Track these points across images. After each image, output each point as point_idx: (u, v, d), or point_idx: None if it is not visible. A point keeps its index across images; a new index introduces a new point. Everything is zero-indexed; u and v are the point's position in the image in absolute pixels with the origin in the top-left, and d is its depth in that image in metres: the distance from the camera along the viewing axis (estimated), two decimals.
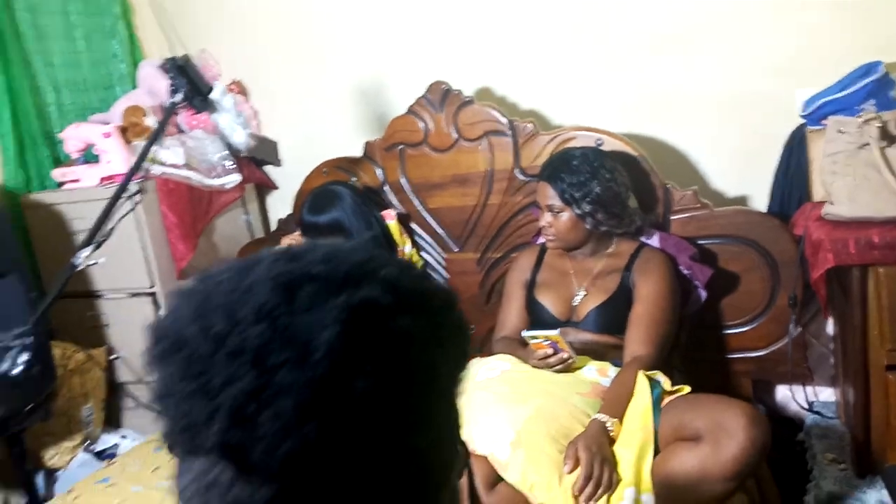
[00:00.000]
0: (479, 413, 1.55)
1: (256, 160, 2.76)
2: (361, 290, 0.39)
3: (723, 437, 1.37)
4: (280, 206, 2.86)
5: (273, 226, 2.89)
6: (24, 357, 1.08)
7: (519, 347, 1.79)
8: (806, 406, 2.02)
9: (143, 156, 1.44)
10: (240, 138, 1.85)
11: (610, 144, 1.98)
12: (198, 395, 0.35)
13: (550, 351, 1.68)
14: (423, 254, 2.37)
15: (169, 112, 1.60)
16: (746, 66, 2.03)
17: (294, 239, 2.11)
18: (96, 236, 1.31)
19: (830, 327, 2.04)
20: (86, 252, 1.28)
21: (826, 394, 2.08)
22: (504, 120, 2.12)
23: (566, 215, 1.81)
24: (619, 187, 1.81)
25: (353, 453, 0.37)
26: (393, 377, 0.38)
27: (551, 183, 1.81)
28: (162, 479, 1.90)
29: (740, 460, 1.35)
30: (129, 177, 1.38)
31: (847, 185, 1.63)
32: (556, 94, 2.26)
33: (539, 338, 1.68)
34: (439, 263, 2.35)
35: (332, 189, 2.21)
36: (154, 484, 1.88)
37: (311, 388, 0.34)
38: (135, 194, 1.51)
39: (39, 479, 2.25)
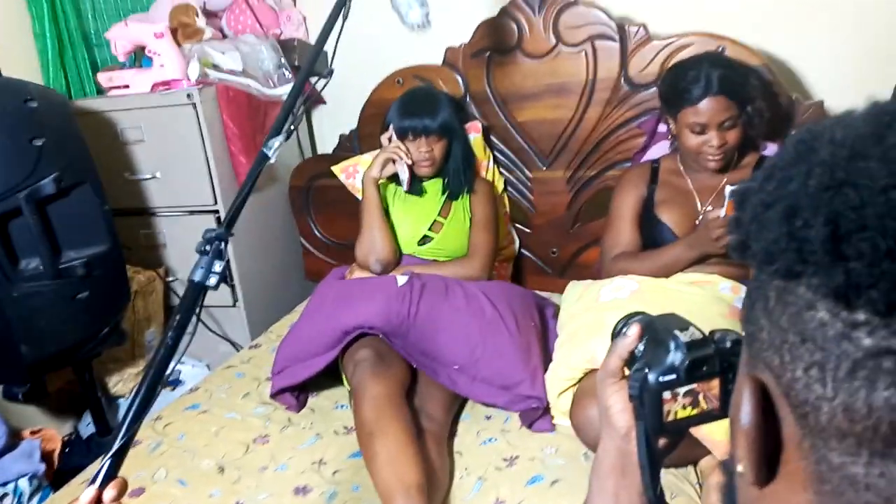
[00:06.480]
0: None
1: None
2: None
3: None
4: (326, 122, 2.67)
5: (321, 143, 2.71)
6: (219, 267, 0.95)
7: (646, 258, 1.70)
8: None
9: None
10: (415, 18, 1.51)
11: (732, 52, 1.84)
12: None
13: None
14: (504, 171, 2.24)
15: None
16: None
17: (395, 151, 1.88)
18: (285, 125, 1.16)
19: None
20: (276, 142, 1.13)
21: None
22: (612, 23, 1.96)
23: (737, 129, 1.62)
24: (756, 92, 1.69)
25: None
26: None
27: (728, 94, 1.58)
28: (256, 406, 1.78)
29: None
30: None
31: None
32: (658, 4, 2.04)
33: None
34: (522, 182, 2.22)
35: (434, 91, 2.03)
36: (250, 410, 1.76)
37: None
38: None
39: None
